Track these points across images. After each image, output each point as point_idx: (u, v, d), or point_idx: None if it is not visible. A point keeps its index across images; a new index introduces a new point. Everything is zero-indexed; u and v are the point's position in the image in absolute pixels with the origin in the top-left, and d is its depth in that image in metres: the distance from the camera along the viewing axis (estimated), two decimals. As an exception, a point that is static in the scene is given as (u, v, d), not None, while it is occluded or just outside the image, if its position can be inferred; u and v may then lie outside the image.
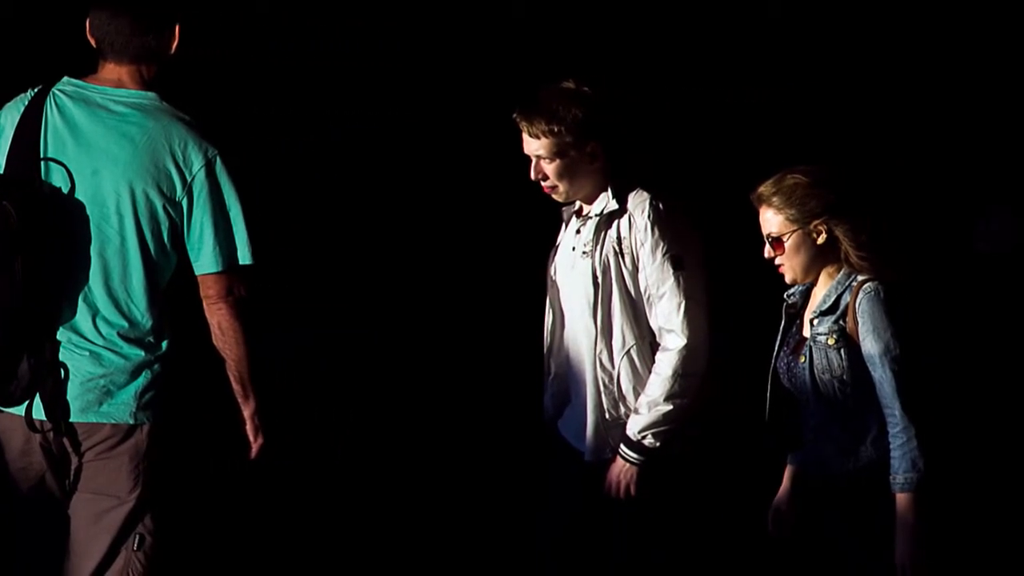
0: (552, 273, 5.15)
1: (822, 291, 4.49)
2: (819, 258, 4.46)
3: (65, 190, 4.39)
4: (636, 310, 4.90)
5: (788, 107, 6.32)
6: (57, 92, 4.48)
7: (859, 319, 4.35)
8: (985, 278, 5.96)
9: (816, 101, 6.32)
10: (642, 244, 4.85)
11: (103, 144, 4.41)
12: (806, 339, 4.50)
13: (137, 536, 4.41)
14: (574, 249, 5.02)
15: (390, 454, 6.45)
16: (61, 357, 4.39)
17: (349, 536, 6.37)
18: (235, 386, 4.56)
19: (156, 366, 4.44)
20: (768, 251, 4.49)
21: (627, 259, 4.88)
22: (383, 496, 6.42)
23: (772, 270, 4.52)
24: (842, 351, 4.38)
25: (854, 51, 6.39)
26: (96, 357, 4.40)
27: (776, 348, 4.64)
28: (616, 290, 4.90)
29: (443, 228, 6.50)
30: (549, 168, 4.90)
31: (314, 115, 6.40)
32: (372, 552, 6.34)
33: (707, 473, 4.97)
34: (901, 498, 4.27)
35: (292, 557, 6.27)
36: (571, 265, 5.02)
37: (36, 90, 4.50)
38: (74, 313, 4.42)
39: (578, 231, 5.03)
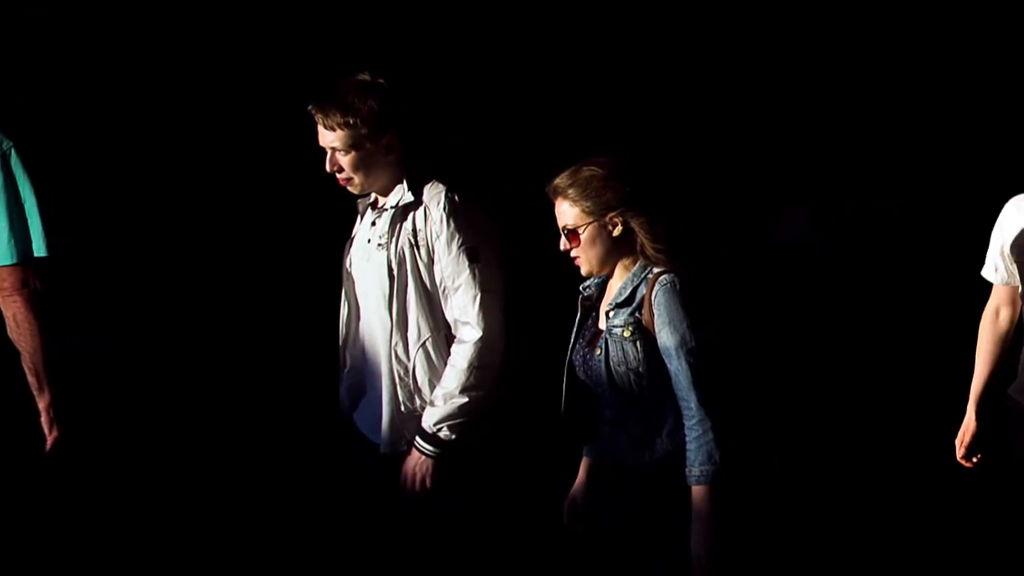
0: (347, 265, 4.86)
1: (618, 283, 4.21)
2: (615, 250, 4.17)
3: None
4: (432, 302, 4.62)
5: (585, 98, 6.05)
6: None
7: (655, 311, 4.07)
8: (779, 268, 5.83)
9: (614, 92, 6.07)
10: (437, 236, 4.57)
11: None
12: (602, 331, 4.21)
13: None
14: (369, 241, 4.73)
15: (185, 449, 6.03)
16: None
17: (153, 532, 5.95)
18: (30, 379, 4.35)
19: None
20: (564, 243, 4.20)
21: (422, 251, 4.60)
22: (180, 491, 6.01)
23: (568, 262, 4.24)
24: (638, 343, 4.10)
25: (656, 45, 6.15)
26: None
27: (572, 340, 4.35)
28: (411, 282, 4.62)
29: (235, 221, 6.08)
30: (344, 160, 4.61)
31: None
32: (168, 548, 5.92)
33: (503, 466, 4.72)
34: (697, 490, 4.00)
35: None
36: (366, 257, 4.73)
37: None
38: None
39: (373, 223, 4.75)
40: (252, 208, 6.07)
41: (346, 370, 4.87)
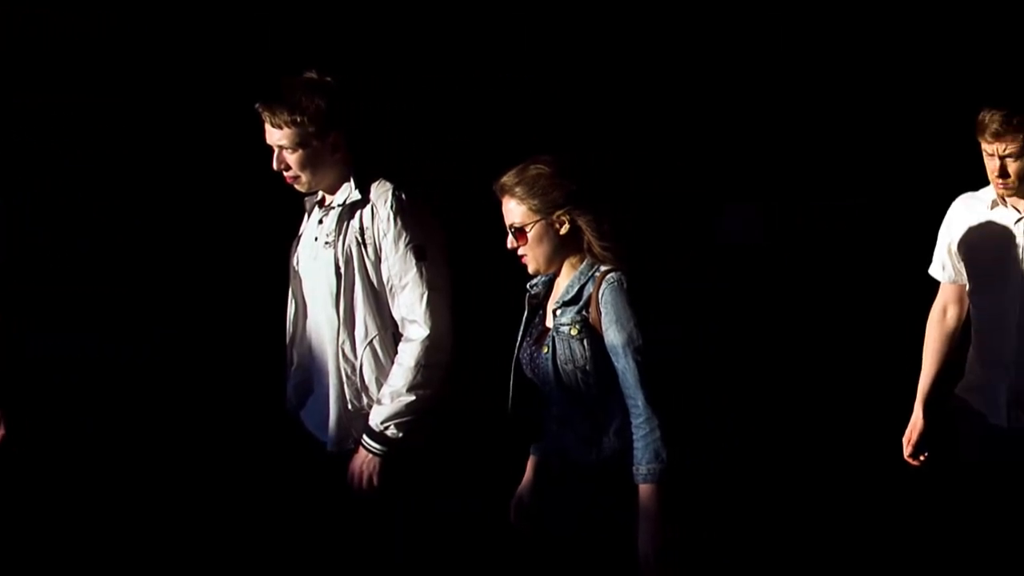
0: (295, 263, 4.79)
1: (565, 281, 4.16)
2: (562, 248, 4.13)
3: None
4: (379, 300, 4.57)
5: (532, 96, 5.98)
6: None
7: (602, 309, 4.03)
8: (741, 268, 5.78)
9: (561, 91, 6.00)
10: (385, 234, 4.51)
11: None
12: (549, 329, 4.17)
13: None
14: (316, 239, 4.67)
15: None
16: None
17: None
18: None
19: None
20: (511, 241, 4.15)
21: (370, 249, 4.54)
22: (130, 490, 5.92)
23: (515, 260, 4.18)
24: (585, 341, 4.05)
25: (606, 44, 6.07)
26: None
27: (519, 338, 4.30)
28: (359, 280, 4.56)
29: (185, 219, 5.97)
30: (291, 158, 4.55)
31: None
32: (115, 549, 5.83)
33: (450, 465, 4.66)
34: (644, 489, 3.95)
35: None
36: (314, 255, 4.67)
37: None
38: None
39: (321, 221, 4.69)
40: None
41: (293, 368, 4.80)
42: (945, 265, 5.02)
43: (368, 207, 4.54)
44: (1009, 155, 4.64)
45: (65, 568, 5.64)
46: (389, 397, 4.48)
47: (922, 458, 5.06)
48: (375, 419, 4.50)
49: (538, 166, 4.09)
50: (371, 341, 4.55)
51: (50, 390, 5.59)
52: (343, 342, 4.57)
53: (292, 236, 4.83)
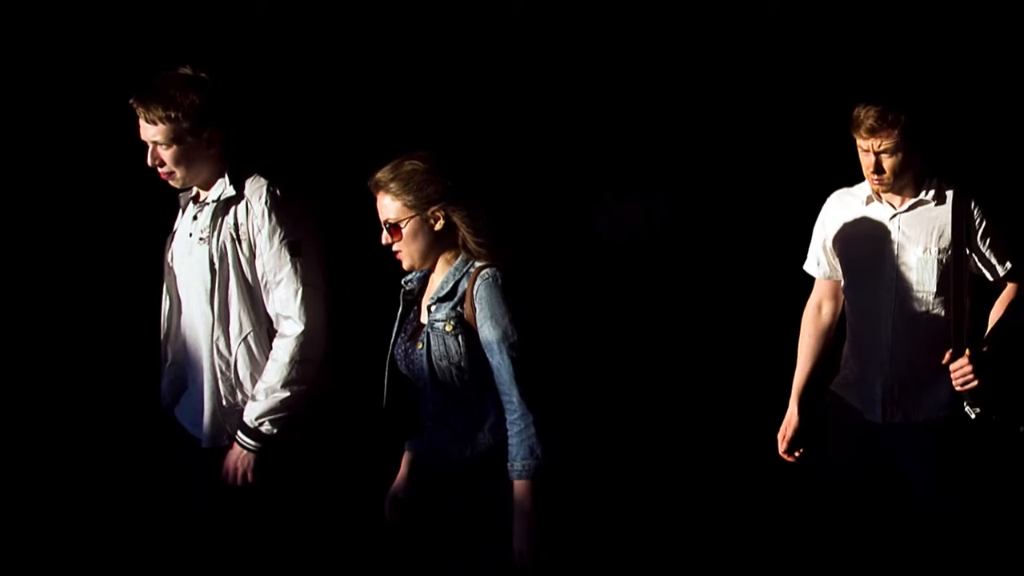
0: (169, 259, 4.75)
1: (440, 277, 4.14)
2: (437, 244, 4.10)
3: None
4: (253, 296, 4.54)
5: (409, 91, 5.92)
6: None
7: (477, 305, 4.01)
8: (605, 265, 5.77)
9: (441, 86, 5.94)
10: (259, 230, 4.48)
11: None
12: (424, 325, 4.15)
13: None
14: (191, 235, 4.62)
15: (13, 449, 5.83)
16: None
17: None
18: None
19: None
20: (386, 237, 4.11)
21: (244, 245, 4.51)
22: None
23: (390, 256, 4.15)
24: (460, 337, 4.04)
25: (488, 39, 6.02)
26: None
27: (394, 334, 4.27)
28: (233, 276, 4.53)
29: (57, 217, 5.86)
30: (166, 154, 4.51)
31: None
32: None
33: (325, 460, 4.64)
34: (519, 485, 3.95)
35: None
36: (188, 251, 4.62)
37: None
38: None
39: (195, 217, 4.64)
40: (73, 202, 5.86)
41: (167, 365, 4.76)
42: (820, 261, 5.05)
43: (243, 203, 4.51)
44: (884, 151, 4.66)
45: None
46: (263, 393, 4.46)
47: (797, 454, 5.08)
48: (249, 415, 4.47)
49: (413, 162, 4.05)
50: (245, 337, 4.53)
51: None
52: (217, 338, 4.54)
53: (166, 232, 4.77)
